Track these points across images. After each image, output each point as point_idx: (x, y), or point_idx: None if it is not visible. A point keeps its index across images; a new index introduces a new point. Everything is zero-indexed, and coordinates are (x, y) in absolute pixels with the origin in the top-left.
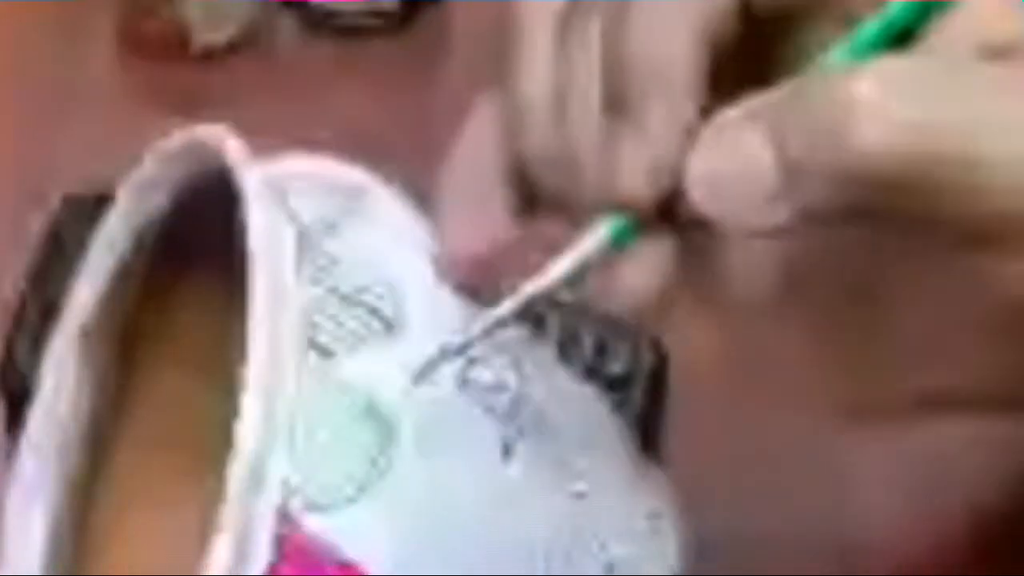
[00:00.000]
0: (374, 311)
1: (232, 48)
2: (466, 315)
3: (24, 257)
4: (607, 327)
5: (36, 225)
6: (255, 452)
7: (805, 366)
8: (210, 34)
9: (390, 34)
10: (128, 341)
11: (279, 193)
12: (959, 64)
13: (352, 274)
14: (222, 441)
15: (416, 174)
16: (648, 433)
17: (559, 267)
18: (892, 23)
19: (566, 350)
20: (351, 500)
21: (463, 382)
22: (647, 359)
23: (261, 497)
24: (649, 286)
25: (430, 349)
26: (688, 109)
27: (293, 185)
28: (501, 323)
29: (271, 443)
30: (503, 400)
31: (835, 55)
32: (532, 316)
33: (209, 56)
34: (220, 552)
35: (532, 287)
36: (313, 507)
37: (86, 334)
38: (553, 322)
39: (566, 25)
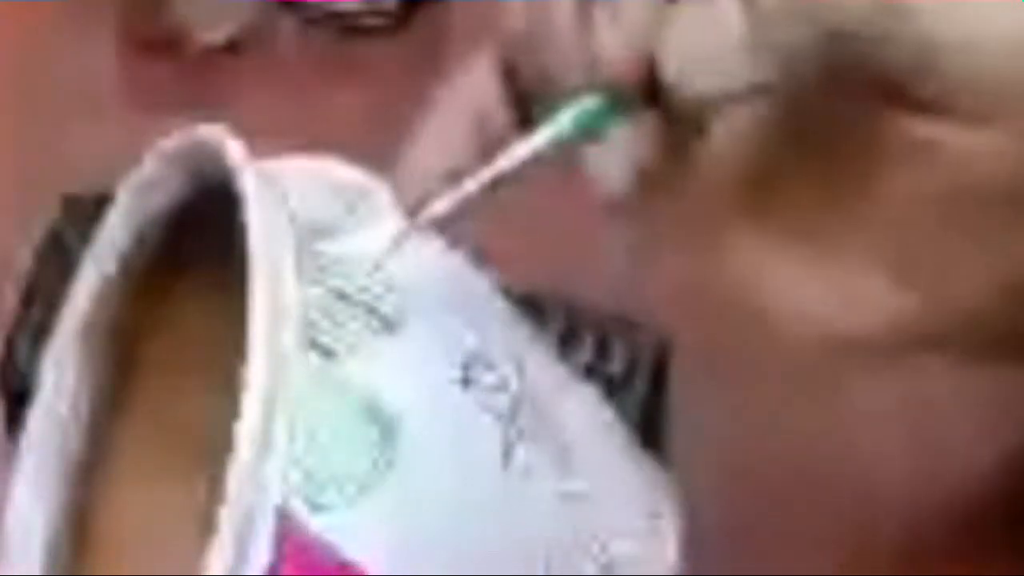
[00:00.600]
0: (374, 311)
1: (232, 48)
2: (467, 313)
3: (24, 257)
4: (608, 325)
5: (36, 225)
6: (255, 453)
7: (785, 288)
8: (210, 34)
9: (389, 34)
10: (128, 341)
11: (279, 194)
12: None
13: (352, 274)
14: (222, 441)
15: None
16: (648, 431)
17: (522, 149)
18: None
19: (566, 348)
20: (351, 500)
21: (464, 383)
22: (647, 358)
23: (261, 497)
24: (628, 170)
25: (430, 351)
26: None
27: (293, 186)
28: (467, 200)
29: (271, 444)
30: (504, 401)
31: None
32: (531, 310)
33: (209, 56)
34: (220, 552)
35: (497, 167)
36: (313, 507)
37: (86, 334)
38: (554, 320)
39: None
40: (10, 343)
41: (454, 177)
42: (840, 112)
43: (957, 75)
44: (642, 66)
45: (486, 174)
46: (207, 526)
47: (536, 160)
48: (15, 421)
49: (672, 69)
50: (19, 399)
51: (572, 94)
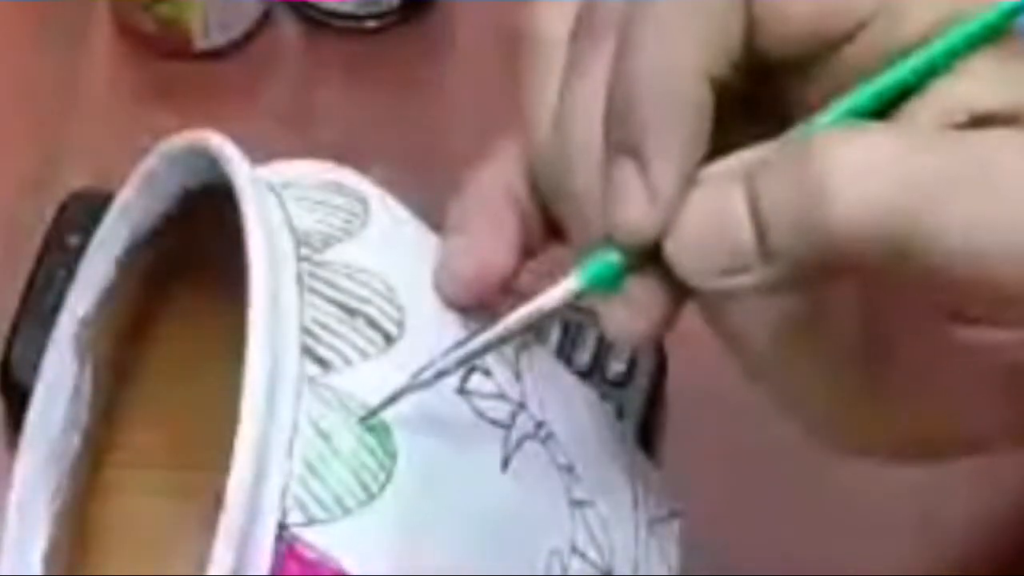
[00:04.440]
0: (374, 323)
1: (232, 48)
2: (466, 329)
3: (24, 256)
4: None
5: (36, 224)
6: (253, 465)
7: (807, 411)
8: (210, 34)
9: (390, 34)
10: (127, 341)
11: (279, 201)
12: (940, 136)
13: (352, 285)
14: (222, 444)
15: (416, 174)
16: (647, 433)
17: (521, 313)
18: (885, 88)
19: (566, 350)
20: (351, 513)
21: (463, 392)
22: (647, 359)
23: (260, 510)
24: (640, 328)
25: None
26: (689, 148)
27: (294, 193)
28: (463, 362)
29: (270, 456)
30: (503, 409)
31: (825, 116)
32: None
33: (209, 56)
34: (220, 564)
35: (491, 333)
36: (313, 520)
37: (86, 334)
38: (554, 322)
39: (574, 46)
40: (10, 343)
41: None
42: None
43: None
44: (663, 233)
45: (496, 330)
46: (208, 530)
47: (547, 316)
48: (15, 421)
49: (671, 251)
50: (19, 399)
51: (589, 247)
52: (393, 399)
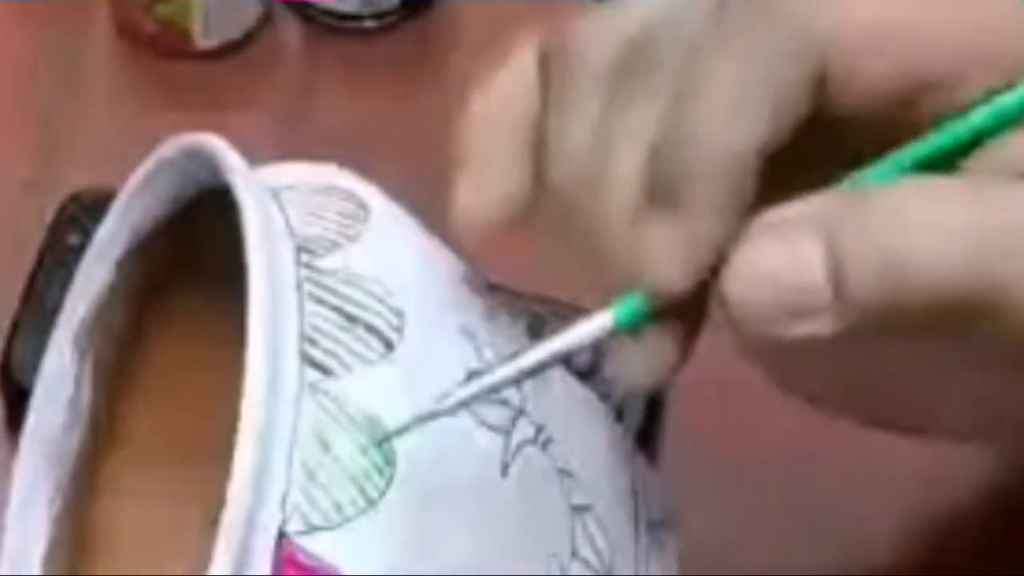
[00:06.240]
0: (373, 329)
1: (232, 48)
2: (467, 332)
3: (24, 256)
4: None
5: (36, 224)
6: (253, 471)
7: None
8: (210, 34)
9: (390, 34)
10: (127, 342)
11: (279, 206)
12: (1012, 187)
13: (351, 291)
14: (222, 447)
15: (416, 174)
16: (647, 435)
17: (551, 346)
18: (941, 145)
19: None
20: (350, 520)
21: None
22: None
23: (259, 516)
24: (652, 376)
25: (428, 367)
26: (736, 202)
27: (293, 197)
28: (486, 393)
29: (269, 462)
30: (503, 415)
31: (879, 170)
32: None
33: (209, 56)
34: (219, 569)
35: (515, 367)
36: (312, 527)
37: (86, 334)
38: (553, 322)
39: (621, 81)
40: (10, 343)
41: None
42: None
43: None
44: (698, 280)
45: (515, 366)
46: (208, 532)
47: (573, 353)
48: (15, 421)
49: (735, 293)
50: (19, 399)
51: (613, 290)
52: (407, 428)
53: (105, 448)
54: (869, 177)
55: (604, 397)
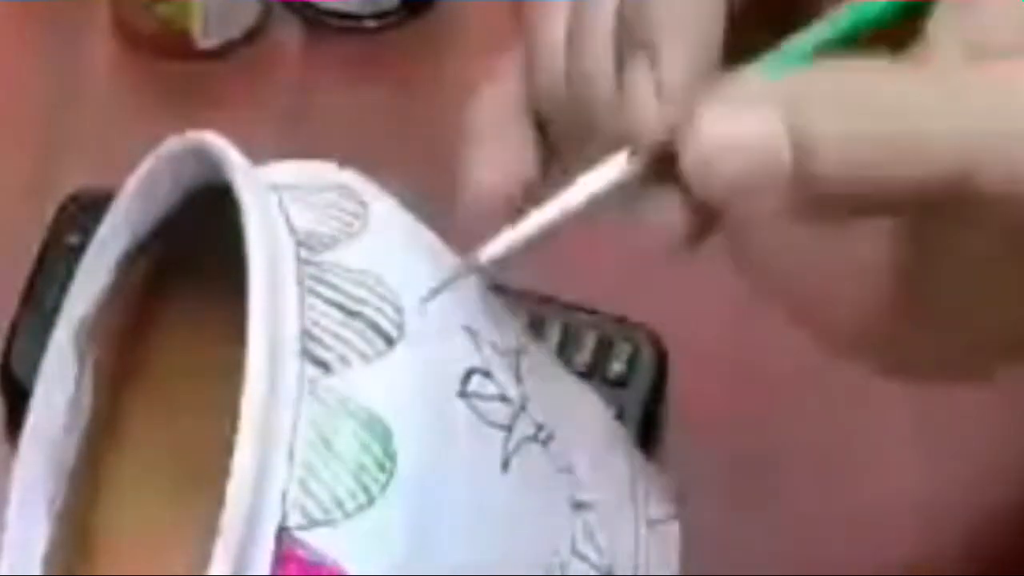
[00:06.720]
0: (374, 325)
1: (232, 48)
2: (468, 330)
3: (24, 256)
4: (608, 325)
5: (36, 224)
6: (254, 467)
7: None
8: (210, 34)
9: (390, 34)
10: (127, 341)
11: (279, 203)
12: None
13: (352, 287)
14: (222, 445)
15: (416, 174)
16: (647, 434)
17: (580, 191)
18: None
19: (566, 350)
20: (351, 515)
21: (463, 395)
22: (647, 357)
23: (260, 513)
24: (676, 220)
25: (429, 364)
26: (704, 52)
27: (294, 194)
28: (524, 240)
29: (270, 458)
30: (503, 412)
31: (805, 40)
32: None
33: (209, 56)
34: (219, 567)
35: (536, 219)
36: (313, 523)
37: (86, 334)
38: (554, 322)
39: None
40: (10, 343)
41: (518, 201)
42: None
43: None
44: (674, 128)
45: (545, 214)
46: (209, 531)
47: (594, 204)
48: (15, 421)
49: (690, 163)
50: (19, 399)
51: (605, 149)
52: (448, 284)
53: (105, 448)
54: (793, 48)
55: (604, 396)
